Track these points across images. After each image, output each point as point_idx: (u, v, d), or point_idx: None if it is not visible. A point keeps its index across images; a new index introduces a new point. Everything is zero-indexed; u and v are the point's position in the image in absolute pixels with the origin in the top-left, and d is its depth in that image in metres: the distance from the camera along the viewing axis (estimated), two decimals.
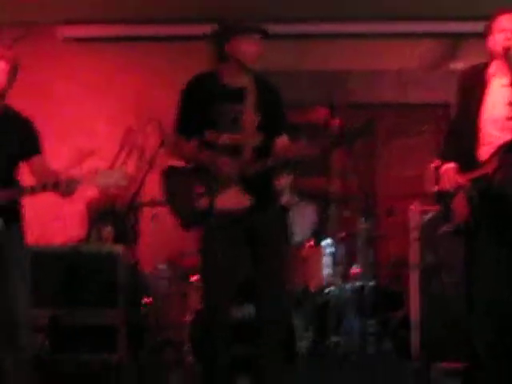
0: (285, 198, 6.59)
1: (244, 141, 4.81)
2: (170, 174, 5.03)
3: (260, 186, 4.83)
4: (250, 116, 4.83)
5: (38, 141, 5.17)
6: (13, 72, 5.03)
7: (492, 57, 4.65)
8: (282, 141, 4.86)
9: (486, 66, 4.73)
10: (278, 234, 5.11)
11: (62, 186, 4.82)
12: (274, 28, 6.71)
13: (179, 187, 4.97)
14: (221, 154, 4.77)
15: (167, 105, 5.02)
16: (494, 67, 4.66)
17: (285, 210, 6.48)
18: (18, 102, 5.22)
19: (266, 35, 4.94)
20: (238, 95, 4.85)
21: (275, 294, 4.98)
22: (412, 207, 6.69)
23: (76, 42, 7.81)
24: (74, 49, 7.82)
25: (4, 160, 4.98)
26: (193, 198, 4.84)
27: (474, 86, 4.75)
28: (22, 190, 4.95)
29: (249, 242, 4.90)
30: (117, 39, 7.74)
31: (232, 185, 4.76)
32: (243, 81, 4.89)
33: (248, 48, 4.83)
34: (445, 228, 4.97)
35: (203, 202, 4.78)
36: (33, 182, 5.05)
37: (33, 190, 4.89)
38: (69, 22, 7.68)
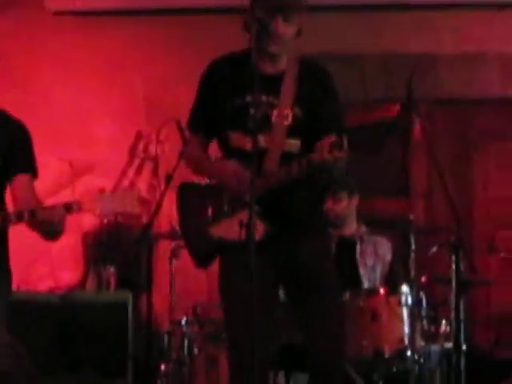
0: (349, 229, 6.36)
1: (272, 145, 4.56)
2: (182, 193, 4.79)
3: (292, 206, 4.52)
4: (284, 110, 4.56)
5: (28, 155, 4.86)
6: None
7: None
8: (325, 141, 4.34)
9: None
10: (326, 272, 4.66)
11: (49, 218, 4.40)
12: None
13: (192, 211, 4.70)
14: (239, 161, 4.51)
15: (189, 100, 4.62)
16: None
17: (350, 244, 6.26)
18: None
19: (301, 11, 4.52)
20: (274, 82, 4.63)
21: (332, 360, 4.58)
22: None
23: (71, 15, 7.56)
24: (67, 25, 7.57)
25: None
26: (206, 223, 4.55)
27: None
28: (3, 219, 4.61)
29: (284, 283, 4.59)
30: (123, 13, 7.47)
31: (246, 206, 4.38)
32: (281, 65, 4.62)
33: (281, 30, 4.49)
34: None
35: (227, 234, 4.50)
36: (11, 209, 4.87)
37: (11, 220, 4.55)
38: None
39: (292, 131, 4.42)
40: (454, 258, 5.83)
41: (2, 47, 5.48)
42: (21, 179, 4.72)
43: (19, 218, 4.45)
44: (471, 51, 7.42)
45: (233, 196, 4.48)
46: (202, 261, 4.60)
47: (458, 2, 7.35)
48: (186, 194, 4.76)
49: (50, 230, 4.53)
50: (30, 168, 4.76)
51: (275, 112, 4.46)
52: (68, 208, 4.37)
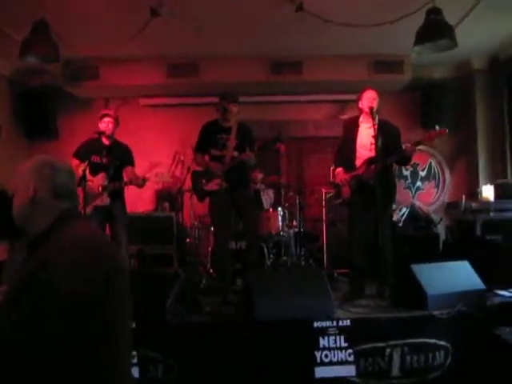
0: (258, 186, 6.61)
1: (227, 153, 4.94)
2: (192, 173, 5.24)
3: (237, 178, 4.95)
4: (232, 141, 4.96)
5: (132, 158, 5.29)
6: (115, 122, 5.21)
7: (361, 112, 4.85)
8: (247, 153, 4.91)
9: (357, 117, 4.92)
10: (250, 202, 5.24)
11: (138, 182, 4.99)
12: (253, 99, 7.00)
13: (196, 180, 5.11)
14: (215, 161, 4.94)
15: (194, 139, 5.16)
16: (362, 118, 4.87)
17: (259, 191, 6.51)
18: (121, 139, 5.36)
19: (237, 100, 5.01)
20: (228, 130, 4.98)
21: (253, 235, 5.13)
22: (322, 190, 6.82)
23: (149, 107, 7.70)
24: (148, 111, 7.70)
25: (114, 168, 5.12)
26: (202, 185, 4.99)
27: (351, 127, 4.92)
28: (121, 183, 5.08)
29: (234, 207, 5.00)
30: (171, 105, 7.63)
31: (218, 177, 4.91)
32: (230, 123, 4.99)
33: (231, 108, 4.97)
34: (337, 201, 5.20)
35: (207, 187, 4.96)
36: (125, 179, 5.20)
37: (125, 184, 5.09)
38: (145, 96, 7.57)
39: (235, 148, 4.94)
40: (297, 196, 6.37)
41: (122, 121, 5.46)
42: (129, 168, 5.16)
43: (129, 182, 4.99)
44: (303, 119, 7.68)
45: (212, 173, 4.95)
46: (200, 199, 5.13)
47: (299, 100, 7.55)
48: (195, 174, 5.20)
49: (139, 185, 4.99)
50: (132, 163, 5.18)
51: (229, 141, 4.93)
52: (144, 179, 4.94)
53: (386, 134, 4.73)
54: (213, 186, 4.93)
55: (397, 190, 5.07)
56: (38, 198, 1.76)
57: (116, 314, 1.70)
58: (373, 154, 4.65)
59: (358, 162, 4.85)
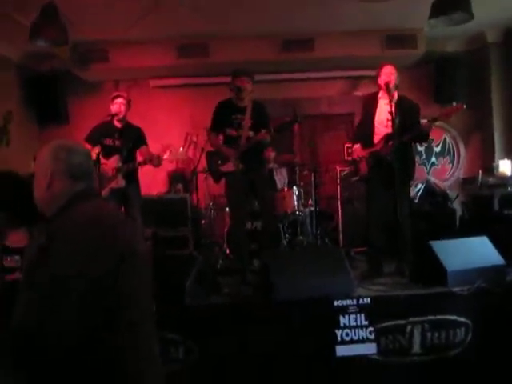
0: (271, 165, 6.57)
1: (243, 134, 4.88)
2: (207, 154, 5.22)
3: (253, 158, 4.91)
4: (247, 121, 4.89)
5: (145, 138, 5.33)
6: (128, 104, 5.21)
7: (380, 88, 4.79)
8: (262, 133, 4.84)
9: (377, 93, 4.87)
10: (266, 183, 5.21)
11: (154, 161, 4.99)
12: (265, 77, 6.80)
13: (212, 161, 5.10)
14: (231, 141, 4.89)
15: (208, 120, 5.11)
16: (381, 93, 4.81)
17: (272, 171, 6.48)
18: (131, 121, 5.37)
19: (252, 77, 4.93)
20: (242, 110, 4.90)
21: (270, 215, 5.12)
22: (337, 167, 6.83)
23: (160, 88, 7.67)
24: (159, 92, 7.68)
25: (127, 150, 5.15)
26: (218, 165, 4.97)
27: (371, 103, 4.88)
28: (134, 164, 5.14)
29: (250, 187, 4.96)
30: (182, 86, 7.60)
31: (232, 159, 4.85)
32: (245, 103, 4.92)
33: (246, 86, 4.89)
34: (354, 178, 5.16)
35: (223, 168, 4.94)
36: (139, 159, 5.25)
37: (139, 164, 5.13)
38: (155, 77, 7.54)
39: (250, 128, 4.89)
40: (312, 174, 6.27)
41: (132, 102, 5.46)
42: (143, 148, 5.21)
43: (143, 162, 5.04)
44: (317, 96, 7.62)
45: (224, 155, 4.94)
46: (216, 180, 5.15)
47: (312, 77, 7.46)
48: (210, 155, 5.20)
49: (155, 164, 5.03)
50: (146, 143, 5.22)
51: (244, 121, 4.85)
52: (159, 157, 4.97)
53: (403, 110, 4.69)
54: (229, 167, 4.90)
55: (415, 167, 5.02)
56: (56, 183, 1.78)
57: (129, 299, 1.65)
58: (390, 130, 4.60)
59: (376, 139, 4.82)
